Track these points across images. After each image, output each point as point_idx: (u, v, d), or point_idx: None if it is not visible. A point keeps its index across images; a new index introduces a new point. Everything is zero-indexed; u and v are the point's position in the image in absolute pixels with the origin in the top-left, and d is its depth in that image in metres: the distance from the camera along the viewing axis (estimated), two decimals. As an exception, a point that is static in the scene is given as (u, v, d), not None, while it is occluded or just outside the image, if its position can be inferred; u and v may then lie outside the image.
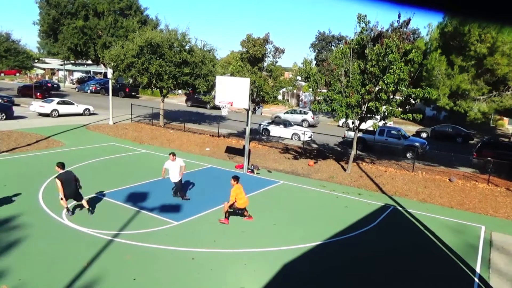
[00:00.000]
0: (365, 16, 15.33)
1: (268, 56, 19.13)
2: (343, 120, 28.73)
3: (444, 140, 30.02)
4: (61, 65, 61.25)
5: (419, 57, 15.10)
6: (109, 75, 25.60)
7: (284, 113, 33.98)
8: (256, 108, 31.71)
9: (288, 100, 29.32)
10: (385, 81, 14.54)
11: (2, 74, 53.27)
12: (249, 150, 16.85)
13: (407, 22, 15.14)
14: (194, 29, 69.25)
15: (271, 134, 26.65)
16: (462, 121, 28.23)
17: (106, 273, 7.49)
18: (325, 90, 17.06)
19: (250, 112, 16.51)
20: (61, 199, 9.88)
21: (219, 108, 16.62)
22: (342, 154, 21.45)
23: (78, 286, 7.02)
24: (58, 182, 9.68)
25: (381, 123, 16.61)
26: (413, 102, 16.99)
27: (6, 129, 20.64)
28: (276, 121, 27.92)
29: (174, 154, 11.84)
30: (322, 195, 13.91)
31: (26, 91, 38.13)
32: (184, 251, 8.67)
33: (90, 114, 29.28)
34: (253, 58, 18.62)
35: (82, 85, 51.04)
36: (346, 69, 16.00)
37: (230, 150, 19.90)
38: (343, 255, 9.20)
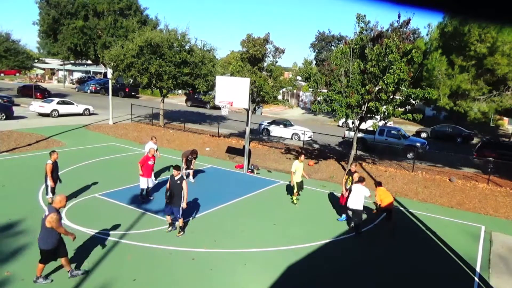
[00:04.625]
0: (364, 16, 15.33)
1: (268, 56, 19.11)
2: (343, 120, 28.82)
3: (444, 140, 30.01)
4: (61, 65, 61.26)
5: (419, 57, 15.09)
6: (109, 75, 25.60)
7: None
8: (256, 108, 31.72)
9: (288, 100, 29.27)
10: (385, 81, 14.53)
11: (2, 74, 53.31)
12: (249, 150, 16.85)
13: (407, 22, 15.13)
14: (194, 29, 69.24)
15: (271, 134, 26.68)
16: (462, 121, 28.26)
17: (106, 273, 7.49)
18: (325, 90, 17.05)
19: (250, 112, 16.51)
20: None
21: (219, 108, 16.62)
22: (342, 154, 21.44)
23: (77, 287, 7.01)
24: None
25: (381, 123, 16.61)
26: (413, 102, 16.98)
27: (6, 129, 20.64)
28: (276, 121, 27.93)
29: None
30: (323, 195, 13.91)
31: (26, 91, 38.14)
32: (184, 251, 8.67)
33: (90, 114, 29.29)
34: (253, 58, 18.59)
35: (82, 85, 51.03)
36: (346, 69, 15.99)
37: (230, 150, 19.89)
38: (343, 255, 9.20)
